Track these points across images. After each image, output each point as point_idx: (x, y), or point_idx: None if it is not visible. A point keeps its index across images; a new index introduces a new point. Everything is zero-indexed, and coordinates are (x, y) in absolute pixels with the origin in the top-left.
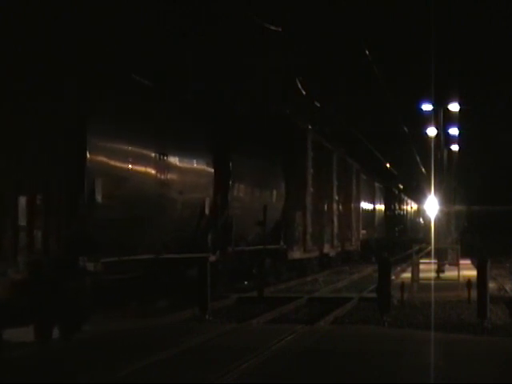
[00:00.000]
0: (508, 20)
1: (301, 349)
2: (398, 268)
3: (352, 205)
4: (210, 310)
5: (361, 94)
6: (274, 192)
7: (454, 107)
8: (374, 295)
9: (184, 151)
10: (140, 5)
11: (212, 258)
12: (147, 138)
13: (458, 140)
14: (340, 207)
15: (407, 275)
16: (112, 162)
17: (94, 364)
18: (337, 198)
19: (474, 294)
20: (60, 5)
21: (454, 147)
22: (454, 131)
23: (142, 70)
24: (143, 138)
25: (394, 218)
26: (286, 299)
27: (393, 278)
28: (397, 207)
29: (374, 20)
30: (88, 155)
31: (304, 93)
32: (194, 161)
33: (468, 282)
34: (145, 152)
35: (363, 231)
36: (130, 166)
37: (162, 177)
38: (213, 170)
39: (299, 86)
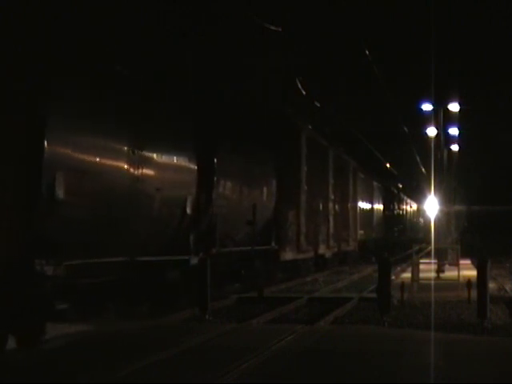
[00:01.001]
0: (508, 20)
1: (301, 349)
2: (398, 268)
3: (349, 204)
4: (210, 310)
5: (361, 94)
6: (265, 190)
7: (454, 107)
8: (374, 295)
9: (163, 146)
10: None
11: (194, 261)
12: (119, 130)
13: (458, 140)
14: (336, 206)
15: (407, 275)
16: (76, 155)
17: (93, 364)
18: (333, 196)
19: (474, 293)
20: None
21: (454, 147)
22: (454, 131)
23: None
24: (114, 131)
25: (392, 217)
26: (286, 299)
27: (393, 278)
28: (396, 207)
29: (373, 20)
30: (46, 146)
31: (304, 93)
32: (175, 156)
33: (468, 282)
34: (116, 145)
35: (361, 231)
36: (97, 159)
37: (137, 172)
38: (196, 167)
39: (299, 85)
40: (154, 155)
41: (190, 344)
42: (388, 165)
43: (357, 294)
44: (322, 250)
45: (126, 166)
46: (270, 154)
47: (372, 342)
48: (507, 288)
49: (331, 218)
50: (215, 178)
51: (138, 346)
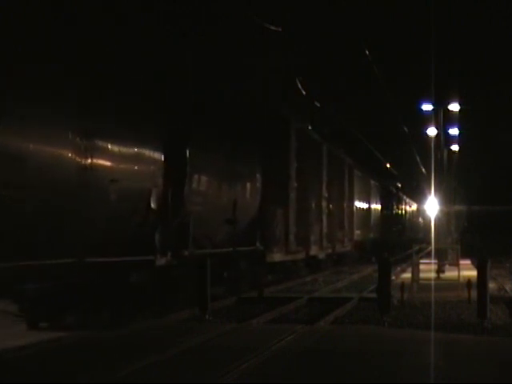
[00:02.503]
0: (508, 20)
1: (301, 349)
2: (398, 268)
3: (344, 203)
4: (210, 310)
5: (361, 94)
6: (248, 186)
7: (454, 107)
8: (374, 295)
9: (119, 132)
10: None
11: (160, 262)
12: (63, 116)
13: (458, 140)
14: (330, 205)
15: (407, 275)
16: (9, 141)
17: (93, 364)
18: (326, 194)
19: (474, 294)
20: None
21: (454, 147)
22: (454, 131)
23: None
24: (55, 114)
25: (391, 217)
26: (286, 299)
27: (393, 278)
28: (395, 206)
29: (373, 20)
30: None
31: (304, 93)
32: (134, 145)
33: (468, 282)
34: (58, 131)
35: (357, 231)
36: (36, 146)
37: (84, 161)
38: (162, 157)
39: (299, 85)
40: (108, 142)
41: (190, 344)
42: (388, 165)
43: (357, 293)
44: (314, 250)
45: (71, 155)
46: (254, 148)
47: (372, 342)
48: (507, 288)
49: (325, 218)
50: (187, 171)
51: (138, 346)
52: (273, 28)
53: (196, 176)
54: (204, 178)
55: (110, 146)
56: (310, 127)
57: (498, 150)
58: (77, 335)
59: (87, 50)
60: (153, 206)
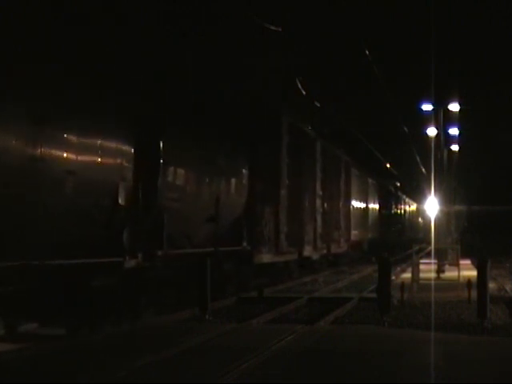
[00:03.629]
0: (508, 20)
1: (301, 349)
2: (398, 268)
3: (340, 202)
4: (210, 309)
5: (361, 94)
6: (233, 182)
7: (454, 107)
8: (374, 295)
9: (78, 121)
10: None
11: (130, 264)
12: (11, 99)
13: (458, 140)
14: (325, 204)
15: (407, 275)
16: None
17: (93, 364)
18: (321, 193)
19: (474, 294)
20: None
21: (454, 147)
22: (454, 131)
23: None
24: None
25: (390, 217)
26: (286, 299)
27: (393, 278)
28: (394, 206)
29: (373, 20)
30: None
31: (304, 93)
32: (97, 134)
33: (468, 282)
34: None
35: (354, 231)
36: None
37: (35, 151)
38: (132, 149)
39: (299, 85)
40: (64, 131)
41: (190, 344)
42: (388, 165)
43: (357, 293)
44: (307, 251)
45: (14, 142)
46: (240, 142)
47: (372, 341)
48: (507, 288)
49: (319, 217)
50: (161, 165)
51: (138, 346)
52: (273, 28)
53: (171, 169)
54: (181, 172)
55: (65, 135)
56: (309, 127)
57: (498, 150)
58: (76, 335)
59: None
60: (120, 201)
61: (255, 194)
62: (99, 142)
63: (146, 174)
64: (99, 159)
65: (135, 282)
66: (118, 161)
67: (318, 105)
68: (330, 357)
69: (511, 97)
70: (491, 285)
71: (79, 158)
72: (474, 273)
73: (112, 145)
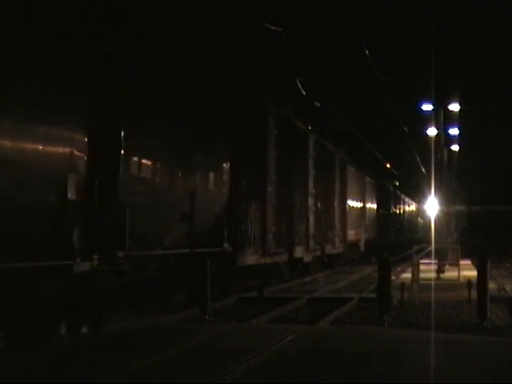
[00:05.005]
0: (508, 20)
1: (301, 349)
2: (398, 268)
3: (335, 201)
4: (210, 309)
5: (361, 94)
6: (211, 177)
7: (454, 107)
8: (374, 295)
9: (17, 105)
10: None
11: (81, 267)
12: None
13: (458, 140)
14: (319, 203)
15: (407, 275)
16: None
17: (93, 364)
18: (314, 191)
19: (474, 294)
20: None
21: (454, 147)
22: (454, 131)
23: None
24: None
25: (388, 217)
26: (286, 299)
27: (393, 278)
28: (392, 205)
29: (374, 20)
30: None
31: (304, 93)
32: (42, 120)
33: (468, 282)
34: None
35: (351, 232)
36: None
37: None
38: (85, 137)
39: (299, 86)
40: None
41: (190, 344)
42: (388, 165)
43: (357, 294)
44: (298, 252)
45: None
46: (221, 132)
47: (372, 341)
48: (507, 288)
49: (312, 216)
50: (122, 155)
51: (138, 346)
52: (273, 28)
53: (135, 161)
54: (148, 164)
55: None
56: (300, 121)
57: (498, 150)
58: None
59: None
60: (70, 196)
61: (238, 191)
62: (43, 127)
63: (103, 165)
64: (42, 147)
65: (90, 287)
66: (67, 150)
67: (318, 105)
68: (329, 357)
69: (511, 97)
70: (491, 285)
71: (17, 145)
72: (474, 273)
73: (59, 131)
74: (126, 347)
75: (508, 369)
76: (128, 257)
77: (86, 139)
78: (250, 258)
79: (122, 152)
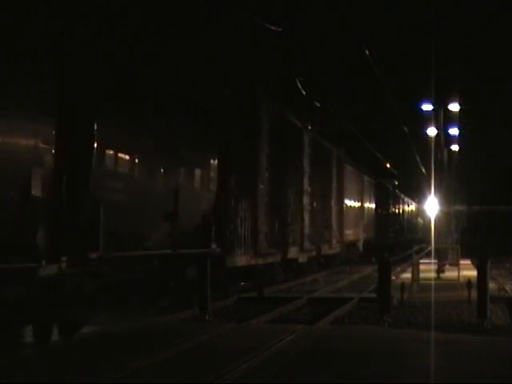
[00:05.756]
0: (508, 20)
1: (301, 349)
2: (398, 268)
3: (332, 200)
4: (210, 309)
5: (361, 94)
6: (197, 173)
7: (454, 107)
8: (374, 295)
9: None
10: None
11: (49, 270)
12: None
13: (458, 140)
14: (314, 202)
15: (407, 275)
16: None
17: (93, 364)
18: (309, 189)
19: (474, 294)
20: None
21: (454, 147)
22: (454, 131)
23: None
24: None
25: (387, 217)
26: (286, 299)
27: (393, 278)
28: (391, 205)
29: (374, 20)
30: None
31: (304, 93)
32: None
33: (468, 282)
34: None
35: (348, 231)
36: None
37: None
38: (53, 129)
39: (299, 86)
40: None
41: (190, 344)
42: (388, 165)
43: (357, 294)
44: (293, 253)
45: None
46: (208, 127)
47: (372, 341)
48: (507, 288)
49: (307, 215)
50: (96, 149)
51: (138, 346)
52: (273, 28)
53: (111, 155)
54: (126, 159)
55: None
56: (295, 116)
57: (498, 150)
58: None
59: None
60: (34, 191)
61: (227, 188)
62: (1, 119)
63: (73, 159)
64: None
65: (60, 291)
66: (31, 142)
67: (318, 105)
68: (329, 357)
69: (511, 97)
70: (491, 285)
71: None
72: (474, 273)
73: (22, 123)
74: (126, 347)
75: (508, 369)
76: (102, 258)
77: (53, 131)
78: (241, 259)
79: (96, 145)
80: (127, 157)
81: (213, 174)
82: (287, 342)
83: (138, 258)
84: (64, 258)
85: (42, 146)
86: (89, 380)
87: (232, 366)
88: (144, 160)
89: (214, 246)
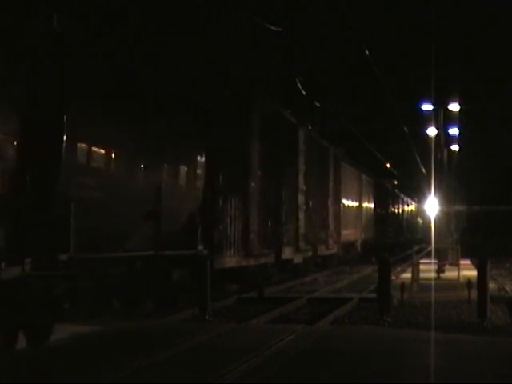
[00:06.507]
0: (508, 20)
1: (301, 349)
2: (398, 268)
3: (329, 199)
4: (210, 310)
5: (361, 94)
6: (182, 169)
7: (454, 107)
8: (374, 295)
9: None
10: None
11: (9, 273)
12: None
13: (458, 140)
14: (310, 201)
15: (407, 275)
16: None
17: (93, 364)
18: (304, 187)
19: (474, 294)
20: None
21: (454, 147)
22: (454, 131)
23: None
24: None
25: (386, 216)
26: (286, 299)
27: (393, 278)
28: (390, 205)
29: (374, 20)
30: None
31: (304, 93)
32: None
33: (468, 282)
34: None
35: (345, 231)
36: None
37: None
38: (15, 122)
39: (299, 86)
40: None
41: (190, 344)
42: (388, 165)
43: (357, 293)
44: (287, 253)
45: None
46: (195, 121)
47: (372, 341)
48: (507, 288)
49: (302, 215)
50: (65, 141)
51: (138, 346)
52: (273, 28)
53: (83, 148)
54: (101, 153)
55: None
56: (289, 112)
57: (498, 150)
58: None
59: None
60: None
61: (214, 186)
62: None
63: (40, 153)
64: None
65: (24, 296)
66: None
67: (318, 105)
68: (329, 357)
69: (511, 97)
70: (491, 285)
71: None
72: (474, 273)
73: None
74: (125, 347)
75: (508, 369)
76: (74, 260)
77: (16, 121)
78: (230, 261)
79: (65, 138)
80: (102, 151)
81: (199, 171)
82: (287, 342)
83: (117, 259)
84: (28, 260)
85: (1, 136)
86: (89, 380)
87: (232, 366)
88: (122, 155)
89: (200, 247)
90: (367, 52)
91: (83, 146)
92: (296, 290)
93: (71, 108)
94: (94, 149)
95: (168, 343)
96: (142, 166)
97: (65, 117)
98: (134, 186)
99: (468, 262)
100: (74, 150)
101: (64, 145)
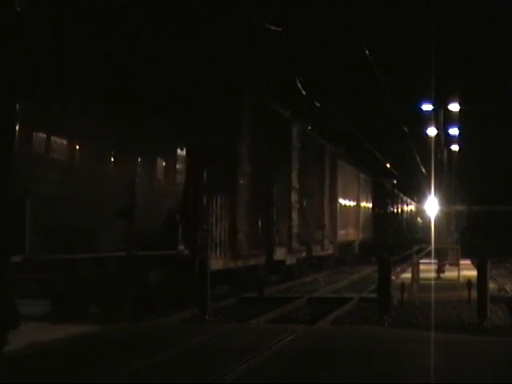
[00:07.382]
0: (508, 20)
1: (301, 349)
2: (398, 268)
3: (325, 198)
4: (210, 310)
5: (361, 94)
6: (159, 163)
7: (454, 107)
8: (374, 295)
9: None
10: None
11: None
12: None
13: (458, 140)
14: (304, 200)
15: (407, 275)
16: None
17: (93, 364)
18: (298, 186)
19: (474, 294)
20: None
21: (454, 147)
22: (454, 131)
23: None
24: None
25: (385, 216)
26: (286, 299)
27: (393, 278)
28: (389, 205)
29: (374, 20)
30: None
31: (304, 93)
32: None
33: (468, 282)
34: None
35: (342, 232)
36: None
37: None
38: None
39: (299, 86)
40: None
41: (190, 344)
42: (388, 165)
43: (357, 293)
44: (279, 254)
45: None
46: (176, 113)
47: (372, 341)
48: (507, 288)
49: (295, 214)
50: (18, 131)
51: (138, 346)
52: (273, 28)
53: (41, 138)
54: (63, 144)
55: None
56: (282, 107)
57: (498, 150)
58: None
59: None
60: None
61: (198, 182)
62: None
63: None
64: None
65: None
66: None
67: (318, 105)
68: (329, 357)
69: (511, 97)
70: (491, 285)
71: None
72: (474, 273)
73: None
74: (125, 347)
75: (508, 369)
76: (29, 263)
77: None
78: (216, 263)
79: (18, 128)
80: (65, 142)
81: (180, 165)
82: (287, 341)
83: (83, 260)
84: None
85: None
86: (89, 380)
87: (232, 366)
88: (88, 146)
89: (181, 247)
90: (367, 52)
91: (40, 136)
92: (296, 289)
93: (26, 96)
94: (54, 139)
95: (168, 343)
96: (113, 158)
97: (17, 105)
98: (104, 180)
99: (468, 262)
100: (30, 141)
101: (16, 135)
